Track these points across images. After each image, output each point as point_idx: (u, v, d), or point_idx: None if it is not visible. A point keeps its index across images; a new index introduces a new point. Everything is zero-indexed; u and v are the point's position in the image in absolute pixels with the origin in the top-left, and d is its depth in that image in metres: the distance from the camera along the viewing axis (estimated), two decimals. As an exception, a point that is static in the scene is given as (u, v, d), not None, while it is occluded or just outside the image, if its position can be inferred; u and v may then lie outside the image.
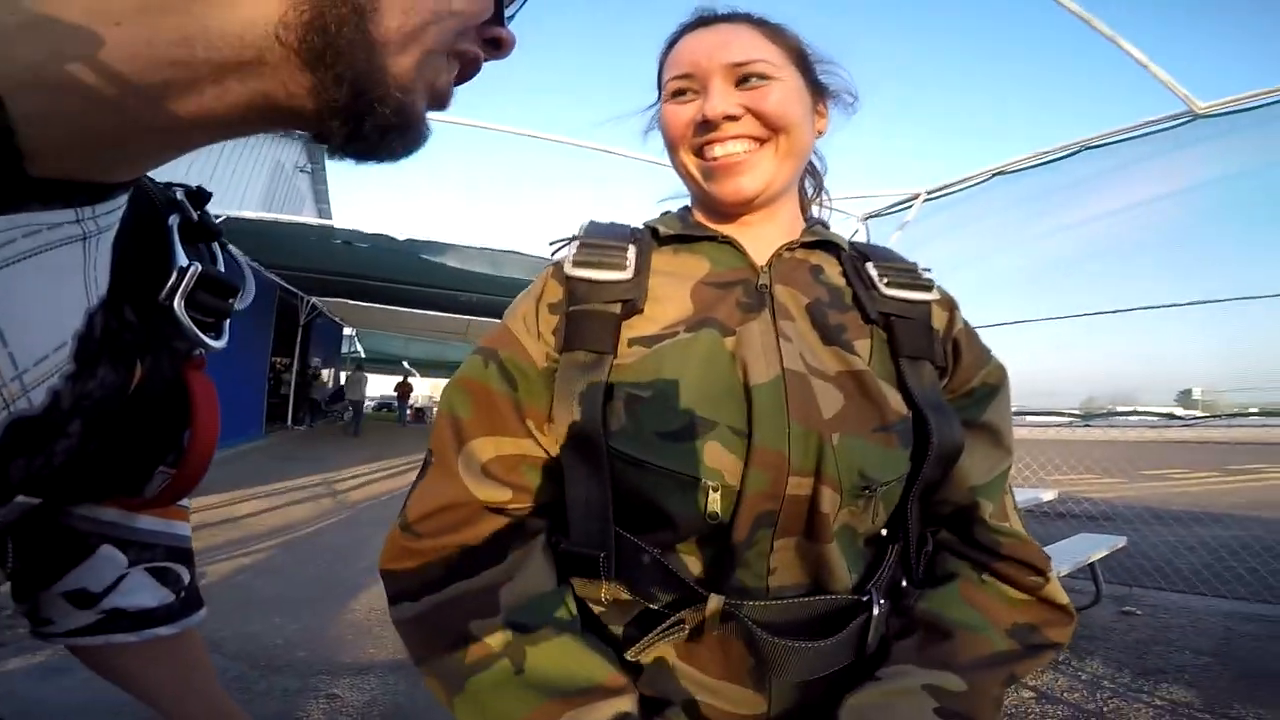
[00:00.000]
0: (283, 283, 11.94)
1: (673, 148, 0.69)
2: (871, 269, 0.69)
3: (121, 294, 0.43)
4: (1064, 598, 0.65)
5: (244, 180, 13.11)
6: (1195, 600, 3.81)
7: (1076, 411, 5.50)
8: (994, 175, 5.25)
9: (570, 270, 0.64)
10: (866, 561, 0.63)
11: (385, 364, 24.64)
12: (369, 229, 7.94)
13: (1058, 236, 5.29)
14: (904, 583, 0.64)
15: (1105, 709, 2.50)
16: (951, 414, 0.63)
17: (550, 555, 0.61)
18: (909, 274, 0.70)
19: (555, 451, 0.61)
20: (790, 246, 0.68)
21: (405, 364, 26.15)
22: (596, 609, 0.62)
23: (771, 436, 0.56)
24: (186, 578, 0.65)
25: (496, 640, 0.55)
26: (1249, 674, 2.78)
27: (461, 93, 0.43)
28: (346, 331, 21.48)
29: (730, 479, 0.56)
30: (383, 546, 0.62)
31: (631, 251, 0.66)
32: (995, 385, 0.69)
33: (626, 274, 0.64)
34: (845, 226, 6.26)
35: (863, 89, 0.75)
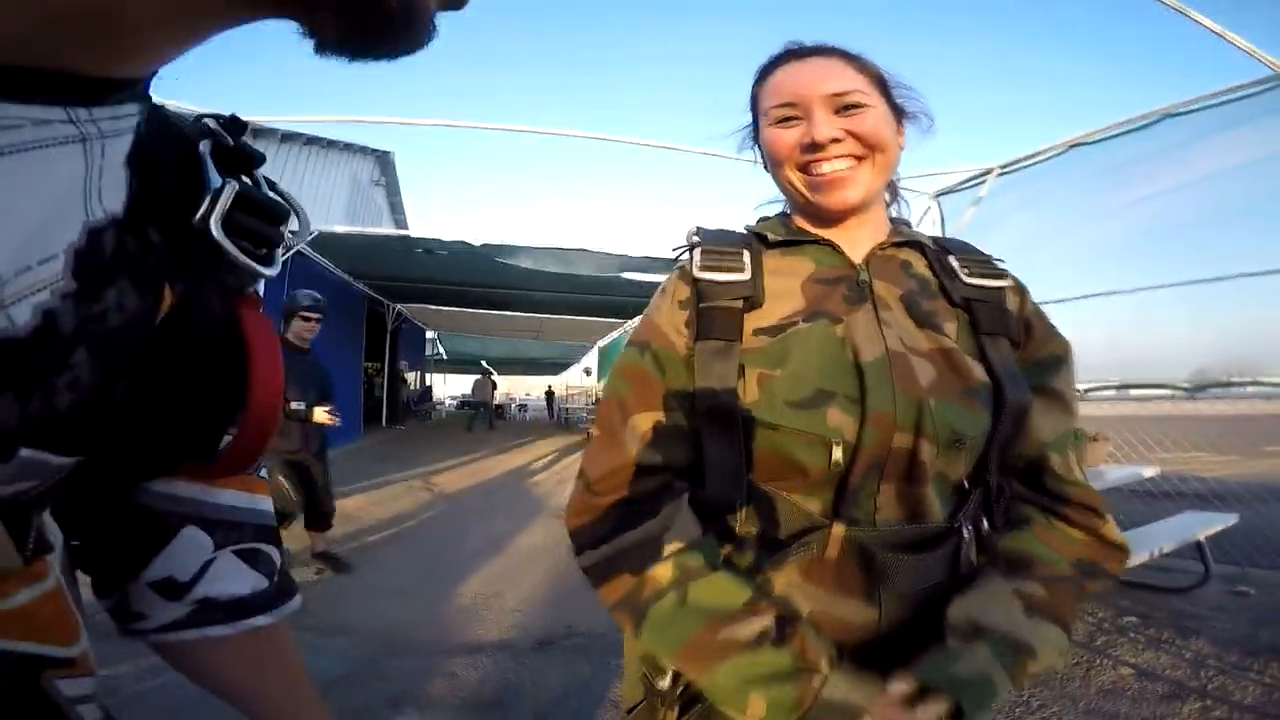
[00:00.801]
0: (371, 292, 12.65)
1: (778, 166, 0.79)
2: (953, 261, 0.81)
3: (143, 216, 0.39)
4: (1120, 537, 0.76)
5: (328, 196, 13.91)
6: (1320, 580, 3.58)
7: (1185, 385, 5.18)
8: (1071, 147, 5.03)
9: (697, 273, 0.77)
10: (954, 502, 0.75)
11: (466, 364, 25.57)
12: (448, 237, 8.29)
13: (1148, 205, 5.00)
14: (985, 523, 0.76)
15: (1209, 686, 2.43)
16: (1022, 381, 0.75)
17: (694, 509, 0.73)
18: (985, 264, 0.82)
19: (695, 422, 0.74)
20: (882, 246, 0.80)
21: (484, 363, 27.09)
22: (730, 546, 0.74)
23: (881, 402, 0.69)
24: (278, 559, 0.60)
25: (665, 578, 0.69)
26: (1375, 655, 2.61)
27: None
28: (429, 335, 22.40)
29: (849, 436, 0.69)
30: (568, 506, 0.76)
31: (746, 255, 0.79)
32: (1061, 356, 0.80)
33: (745, 275, 0.77)
34: (917, 205, 6.12)
35: (938, 62, 0.83)
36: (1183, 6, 3.48)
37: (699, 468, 0.75)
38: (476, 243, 8.18)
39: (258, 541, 0.57)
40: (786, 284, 0.78)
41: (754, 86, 0.83)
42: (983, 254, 0.84)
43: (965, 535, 0.73)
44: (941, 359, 0.73)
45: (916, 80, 0.83)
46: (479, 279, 10.92)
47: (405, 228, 16.75)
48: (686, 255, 0.81)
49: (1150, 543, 3.16)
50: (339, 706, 2.41)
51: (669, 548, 0.70)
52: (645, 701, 0.81)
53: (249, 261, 0.42)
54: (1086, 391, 5.22)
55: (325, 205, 13.56)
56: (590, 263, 9.19)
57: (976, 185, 5.72)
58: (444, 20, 0.36)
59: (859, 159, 0.75)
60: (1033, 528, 0.76)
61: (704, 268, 0.77)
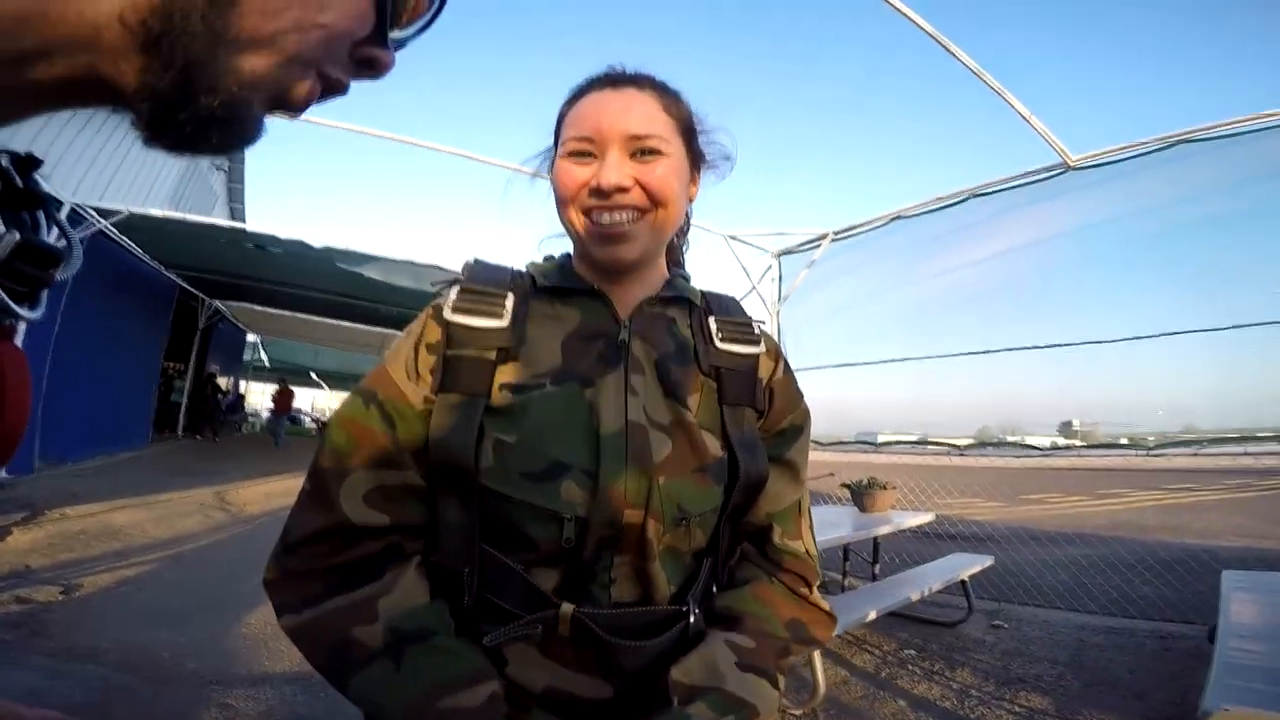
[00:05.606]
0: (184, 284, 11.25)
1: (564, 204, 0.73)
2: (712, 323, 0.79)
3: None
4: (826, 605, 0.79)
5: (152, 176, 12.27)
6: (1054, 614, 4.16)
7: (964, 441, 5.97)
8: (894, 219, 5.70)
9: (449, 316, 0.71)
10: (688, 573, 0.74)
11: (292, 374, 23.40)
12: (284, 234, 7.59)
13: (948, 277, 5.77)
14: (715, 589, 0.76)
15: (972, 716, 2.71)
16: (761, 451, 0.76)
17: (424, 572, 0.69)
18: (744, 329, 0.80)
19: (430, 480, 0.69)
20: (651, 301, 0.77)
21: (313, 375, 24.98)
22: (463, 614, 0.69)
23: (613, 477, 0.67)
24: None
25: (376, 642, 0.62)
26: (1095, 682, 3.06)
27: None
28: (250, 338, 20.30)
29: (581, 511, 0.66)
30: (267, 564, 0.68)
31: (510, 300, 0.73)
32: (800, 426, 0.82)
33: (503, 322, 0.71)
34: (760, 262, 6.60)
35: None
36: (1002, 88, 3.97)
37: (436, 527, 0.70)
38: (316, 244, 7.58)
39: None
40: (548, 336, 0.73)
41: (563, 106, 0.76)
42: (744, 317, 0.82)
43: (692, 618, 0.71)
44: (680, 433, 0.71)
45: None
46: (317, 283, 10.11)
47: (242, 219, 15.18)
48: (445, 292, 0.75)
49: (922, 582, 3.54)
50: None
51: (386, 612, 0.64)
52: None
53: (12, 305, 0.43)
54: (884, 444, 5.86)
55: (147, 185, 11.93)
56: (445, 281, 8.81)
57: (814, 248, 6.26)
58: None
59: (642, 212, 0.71)
60: (752, 585, 0.77)
61: (458, 309, 0.71)
